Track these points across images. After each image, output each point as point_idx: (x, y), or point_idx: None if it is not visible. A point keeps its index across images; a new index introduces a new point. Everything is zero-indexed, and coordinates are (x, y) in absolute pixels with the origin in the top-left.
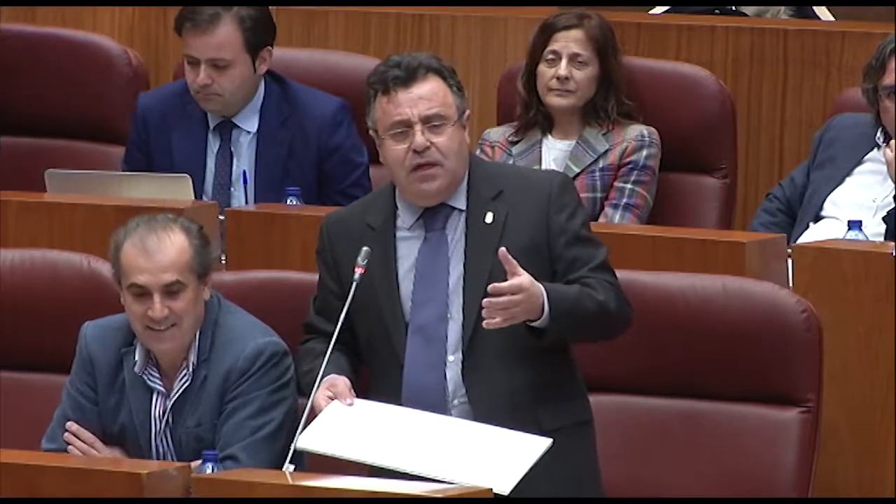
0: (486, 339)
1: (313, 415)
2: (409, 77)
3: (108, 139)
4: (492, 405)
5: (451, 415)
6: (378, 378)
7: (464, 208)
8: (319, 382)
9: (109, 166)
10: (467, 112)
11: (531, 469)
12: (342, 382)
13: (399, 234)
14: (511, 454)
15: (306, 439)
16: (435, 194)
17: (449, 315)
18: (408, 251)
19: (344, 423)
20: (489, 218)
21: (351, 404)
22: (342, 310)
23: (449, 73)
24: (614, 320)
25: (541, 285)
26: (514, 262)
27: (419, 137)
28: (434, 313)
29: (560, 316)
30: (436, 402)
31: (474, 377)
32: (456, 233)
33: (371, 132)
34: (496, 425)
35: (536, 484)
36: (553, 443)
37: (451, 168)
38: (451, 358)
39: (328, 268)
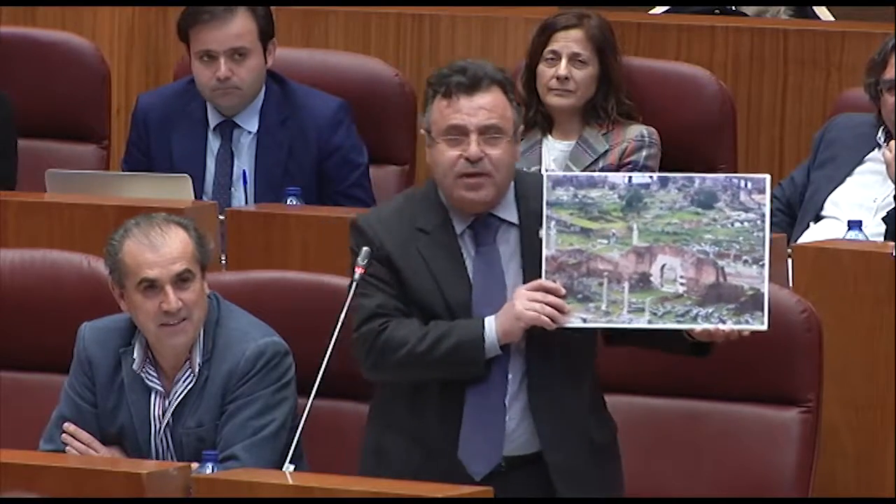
0: (546, 353)
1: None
2: (472, 85)
3: (77, 137)
4: (553, 419)
5: (507, 432)
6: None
7: (516, 222)
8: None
9: (81, 165)
10: (521, 128)
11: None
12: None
13: (459, 240)
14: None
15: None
16: (479, 203)
17: None
18: (467, 258)
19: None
20: (542, 233)
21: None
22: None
23: (510, 87)
24: None
25: None
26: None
27: (474, 147)
28: None
29: None
30: (495, 418)
31: (538, 391)
32: (509, 247)
33: (423, 131)
34: (556, 439)
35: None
36: (603, 456)
37: (499, 181)
38: (510, 376)
39: (385, 267)
